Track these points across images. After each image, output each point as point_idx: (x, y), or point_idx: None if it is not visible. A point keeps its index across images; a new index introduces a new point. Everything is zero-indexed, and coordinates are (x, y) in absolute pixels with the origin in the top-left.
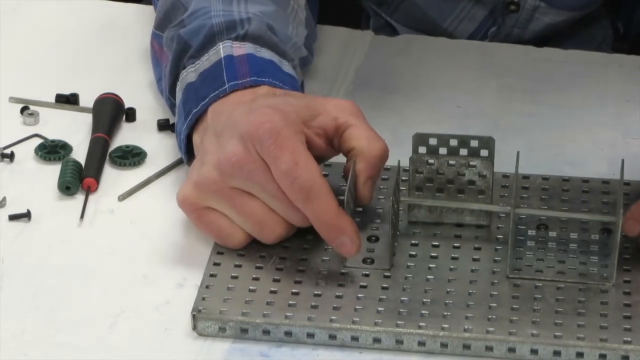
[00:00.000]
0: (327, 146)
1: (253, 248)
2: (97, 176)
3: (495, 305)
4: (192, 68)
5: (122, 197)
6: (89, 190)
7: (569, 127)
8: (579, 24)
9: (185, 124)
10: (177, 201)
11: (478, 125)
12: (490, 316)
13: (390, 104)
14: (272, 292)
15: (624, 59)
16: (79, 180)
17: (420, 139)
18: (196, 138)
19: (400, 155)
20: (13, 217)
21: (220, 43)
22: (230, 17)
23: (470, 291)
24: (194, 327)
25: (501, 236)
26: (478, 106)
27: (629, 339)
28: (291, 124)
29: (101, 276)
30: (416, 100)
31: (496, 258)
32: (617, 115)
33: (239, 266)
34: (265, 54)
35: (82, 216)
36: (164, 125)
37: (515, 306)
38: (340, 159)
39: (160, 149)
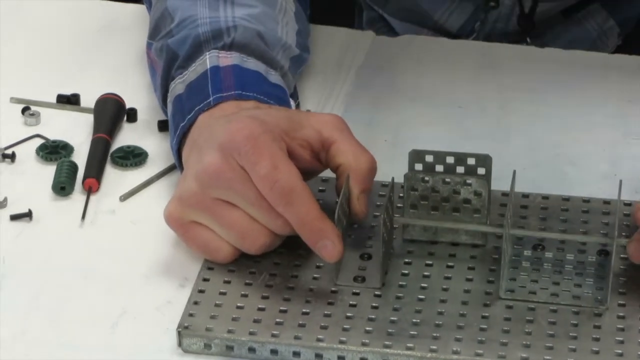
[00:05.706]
0: (312, 159)
1: (243, 264)
2: (99, 176)
3: (486, 327)
4: (180, 79)
5: (124, 198)
6: (90, 191)
7: (570, 127)
8: (572, 20)
9: (174, 138)
10: (164, 218)
11: (479, 126)
12: (480, 338)
13: (391, 105)
14: (259, 309)
15: (625, 60)
16: (74, 180)
17: (416, 156)
18: (184, 153)
19: (401, 159)
20: (14, 217)
21: (207, 53)
22: (216, 26)
23: (462, 312)
24: (179, 344)
25: (497, 256)
26: (479, 106)
27: None
28: (269, 131)
29: (102, 276)
30: (417, 101)
31: (490, 278)
32: (618, 115)
33: (228, 282)
34: (252, 64)
35: (83, 216)
36: (165, 126)
37: (506, 328)
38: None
39: (161, 149)
